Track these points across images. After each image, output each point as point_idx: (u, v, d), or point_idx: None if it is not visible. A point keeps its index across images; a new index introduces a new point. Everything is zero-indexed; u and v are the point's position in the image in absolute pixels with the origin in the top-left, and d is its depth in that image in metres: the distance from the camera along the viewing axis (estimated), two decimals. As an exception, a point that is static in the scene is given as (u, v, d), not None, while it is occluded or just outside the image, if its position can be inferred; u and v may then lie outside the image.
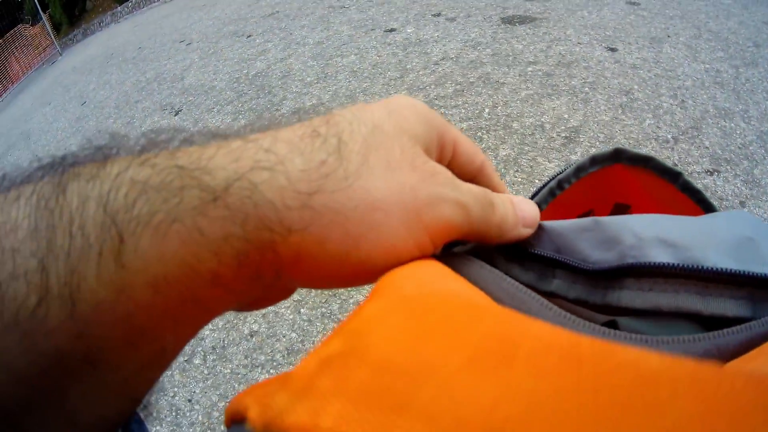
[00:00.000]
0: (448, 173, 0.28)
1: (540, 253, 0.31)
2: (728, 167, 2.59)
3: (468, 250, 0.32)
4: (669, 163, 2.69)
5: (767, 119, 3.07)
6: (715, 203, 1.74)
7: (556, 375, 0.16)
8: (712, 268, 0.27)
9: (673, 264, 0.27)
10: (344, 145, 0.26)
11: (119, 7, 14.33)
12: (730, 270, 0.27)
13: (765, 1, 5.85)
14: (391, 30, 4.27)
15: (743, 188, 2.47)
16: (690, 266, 0.27)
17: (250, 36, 5.11)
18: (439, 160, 0.30)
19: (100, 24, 14.21)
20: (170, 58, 5.37)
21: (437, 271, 0.26)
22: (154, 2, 13.05)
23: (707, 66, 3.53)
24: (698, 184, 2.48)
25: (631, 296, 0.28)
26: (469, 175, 0.32)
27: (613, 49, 3.55)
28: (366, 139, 0.26)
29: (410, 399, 0.16)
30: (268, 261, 0.24)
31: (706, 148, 2.71)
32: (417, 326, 0.20)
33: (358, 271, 0.26)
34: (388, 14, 4.69)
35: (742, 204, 2.39)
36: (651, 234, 0.30)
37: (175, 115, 3.91)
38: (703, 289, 0.27)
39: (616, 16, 4.23)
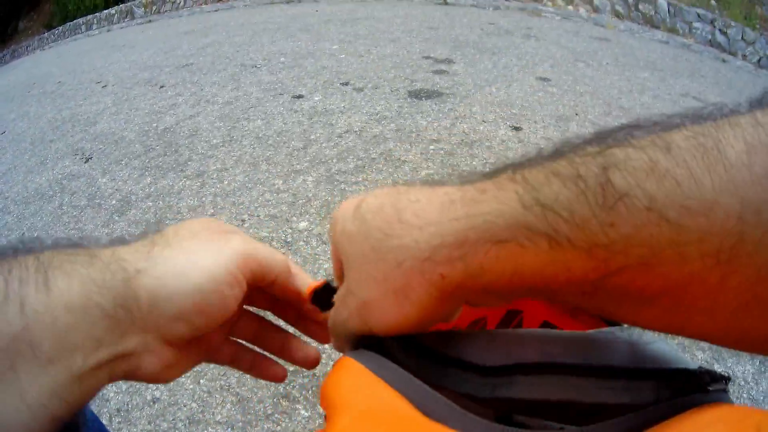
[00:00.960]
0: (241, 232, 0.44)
1: (436, 350, 0.35)
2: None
3: (374, 344, 0.36)
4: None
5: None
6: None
7: None
8: (588, 365, 0.33)
9: (553, 362, 0.33)
10: (159, 236, 0.40)
11: (46, 33, 14.33)
12: (605, 365, 0.33)
13: (685, 72, 6.21)
14: (299, 96, 4.25)
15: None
16: (568, 363, 0.33)
17: (162, 87, 5.04)
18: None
19: (27, 48, 14.07)
20: (86, 98, 5.26)
21: (368, 381, 0.33)
22: (78, 34, 13.02)
23: (614, 144, 3.60)
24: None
25: (519, 389, 0.33)
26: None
27: (517, 128, 3.60)
28: (176, 228, 0.41)
29: None
30: (131, 291, 0.35)
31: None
32: None
33: (197, 296, 0.37)
34: (298, 79, 4.67)
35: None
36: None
37: (86, 162, 3.76)
38: (584, 382, 0.32)
39: (524, 92, 4.31)
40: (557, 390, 0.32)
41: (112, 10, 12.95)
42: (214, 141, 3.69)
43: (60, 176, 3.60)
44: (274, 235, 2.68)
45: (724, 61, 7.87)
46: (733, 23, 8.83)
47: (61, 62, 8.16)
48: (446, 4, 8.67)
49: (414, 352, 0.35)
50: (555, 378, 0.33)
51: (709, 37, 8.81)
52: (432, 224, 0.31)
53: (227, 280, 0.38)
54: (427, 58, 5.19)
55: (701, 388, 0.31)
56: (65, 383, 0.33)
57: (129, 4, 12.75)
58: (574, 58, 5.69)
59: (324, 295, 0.44)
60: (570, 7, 8.96)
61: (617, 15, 8.93)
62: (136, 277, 0.35)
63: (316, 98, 4.20)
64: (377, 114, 3.83)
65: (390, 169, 3.09)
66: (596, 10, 8.98)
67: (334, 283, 0.44)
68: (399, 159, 3.18)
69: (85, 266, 0.34)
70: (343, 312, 0.38)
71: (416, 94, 4.15)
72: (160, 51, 6.80)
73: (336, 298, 0.40)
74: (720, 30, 8.80)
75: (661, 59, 6.53)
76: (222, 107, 4.27)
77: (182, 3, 11.70)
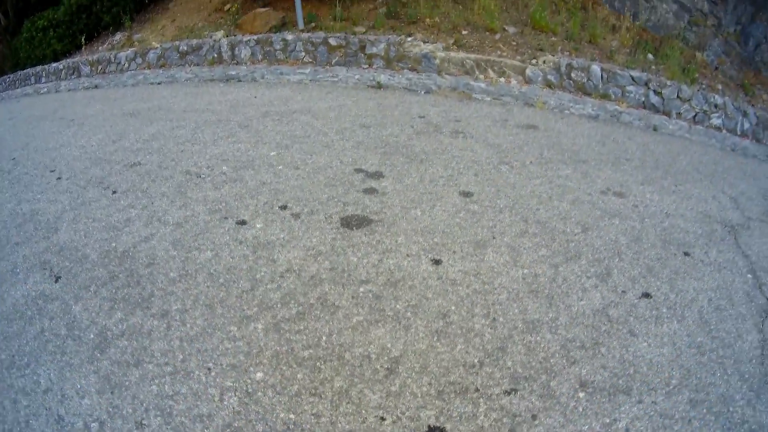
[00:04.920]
0: None
1: None
2: (526, 384, 3.06)
3: None
4: (471, 387, 3.14)
5: (576, 323, 3.61)
6: (509, 421, 2.53)
7: None
8: None
9: None
10: None
11: (-2, 80, 15.26)
12: None
13: (610, 159, 6.82)
14: (243, 222, 4.83)
15: (537, 403, 2.94)
16: None
17: (115, 192, 5.50)
18: None
19: (-20, 92, 14.76)
20: (43, 192, 5.62)
21: None
22: (27, 86, 13.81)
23: (526, 271, 4.17)
24: (495, 405, 2.94)
25: None
26: None
27: (437, 262, 4.22)
28: None
29: None
30: None
31: (508, 368, 3.19)
32: None
33: None
34: (240, 198, 5.25)
35: (534, 417, 2.81)
36: None
37: (56, 282, 4.10)
38: None
39: (447, 214, 4.99)
40: None
41: (60, 65, 13.95)
42: (172, 274, 4.16)
43: (35, 294, 3.96)
44: (236, 385, 3.10)
45: (655, 129, 8.78)
46: (668, 82, 9.79)
47: (14, 129, 8.69)
48: (380, 87, 9.48)
49: None
50: None
51: (643, 99, 9.77)
52: None
53: None
54: (359, 171, 5.93)
55: None
56: None
57: (76, 60, 13.78)
58: (499, 160, 6.43)
59: None
60: (502, 80, 9.90)
61: (549, 85, 9.87)
62: None
63: (258, 225, 4.79)
64: (313, 248, 4.44)
65: (327, 317, 3.65)
66: (528, 81, 9.94)
67: None
68: (333, 305, 3.77)
69: None
70: None
71: (348, 222, 4.81)
72: (107, 139, 7.36)
73: None
74: (654, 91, 9.76)
75: (587, 146, 7.30)
76: (173, 230, 4.79)
77: (126, 66, 12.95)
